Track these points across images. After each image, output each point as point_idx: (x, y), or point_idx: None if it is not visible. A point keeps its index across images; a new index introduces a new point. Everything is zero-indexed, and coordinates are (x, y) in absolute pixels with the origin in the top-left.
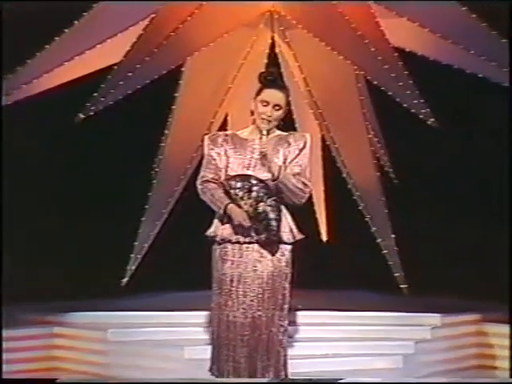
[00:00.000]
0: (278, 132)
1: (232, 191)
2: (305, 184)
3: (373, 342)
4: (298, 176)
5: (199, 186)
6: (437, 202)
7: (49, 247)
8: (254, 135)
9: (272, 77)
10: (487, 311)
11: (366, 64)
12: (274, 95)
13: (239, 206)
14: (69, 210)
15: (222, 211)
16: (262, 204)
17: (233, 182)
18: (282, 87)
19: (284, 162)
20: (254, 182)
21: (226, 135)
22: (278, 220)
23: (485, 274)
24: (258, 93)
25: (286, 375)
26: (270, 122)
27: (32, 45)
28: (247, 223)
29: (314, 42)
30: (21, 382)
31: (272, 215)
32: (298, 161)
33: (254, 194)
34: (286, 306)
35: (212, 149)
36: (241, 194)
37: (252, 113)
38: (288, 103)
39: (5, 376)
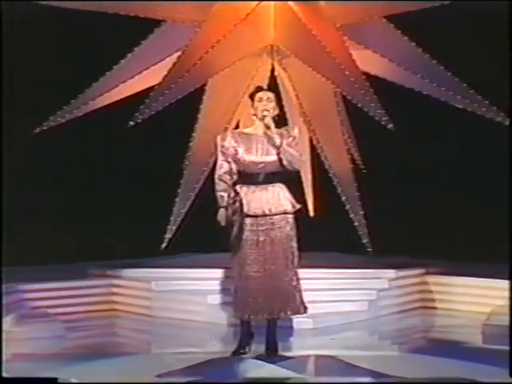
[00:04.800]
0: (276, 129)
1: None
2: (300, 154)
3: (346, 291)
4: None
5: (216, 180)
6: (395, 186)
7: (113, 222)
8: (256, 131)
9: (258, 89)
10: (428, 266)
11: (341, 83)
12: (264, 93)
13: (226, 208)
14: (128, 197)
15: (217, 206)
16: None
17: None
18: (268, 91)
19: None
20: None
21: (233, 132)
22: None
23: (428, 240)
24: (253, 97)
25: (305, 309)
26: (268, 110)
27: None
28: (222, 223)
29: (304, 67)
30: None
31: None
32: (294, 143)
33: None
34: (296, 260)
35: (223, 143)
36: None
37: (254, 115)
38: (277, 103)
39: (78, 309)
